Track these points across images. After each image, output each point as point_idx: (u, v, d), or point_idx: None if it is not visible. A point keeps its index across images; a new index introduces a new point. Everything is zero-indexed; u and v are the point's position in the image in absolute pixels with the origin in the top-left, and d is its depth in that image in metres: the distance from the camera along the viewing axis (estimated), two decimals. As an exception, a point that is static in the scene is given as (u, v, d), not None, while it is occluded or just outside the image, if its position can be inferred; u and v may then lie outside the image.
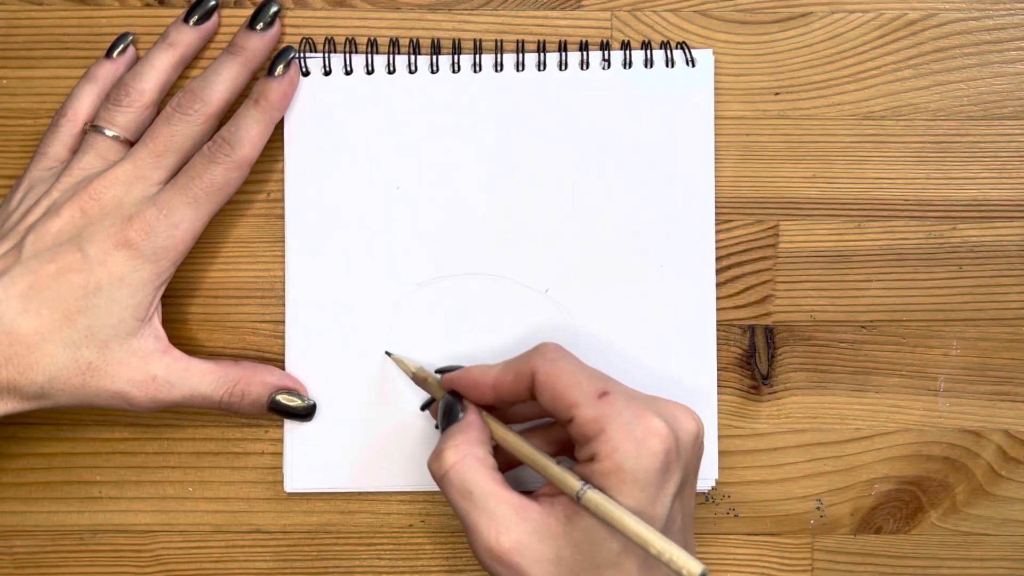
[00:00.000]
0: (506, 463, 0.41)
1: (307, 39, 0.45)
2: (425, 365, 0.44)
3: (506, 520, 0.37)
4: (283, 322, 0.45)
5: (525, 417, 0.42)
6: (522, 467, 0.43)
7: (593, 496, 0.36)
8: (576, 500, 0.36)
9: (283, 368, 0.45)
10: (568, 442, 0.41)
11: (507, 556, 0.37)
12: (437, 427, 0.44)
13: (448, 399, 0.41)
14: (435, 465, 0.39)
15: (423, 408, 0.44)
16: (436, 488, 0.45)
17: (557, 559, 0.37)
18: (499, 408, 0.41)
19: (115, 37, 0.45)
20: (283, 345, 0.45)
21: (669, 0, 0.45)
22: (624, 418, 0.37)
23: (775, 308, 0.46)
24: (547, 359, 0.39)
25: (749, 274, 0.45)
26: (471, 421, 0.40)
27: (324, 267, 0.45)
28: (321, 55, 0.45)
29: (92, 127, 0.43)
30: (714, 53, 0.45)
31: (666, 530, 0.37)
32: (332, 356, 0.45)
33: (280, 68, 0.43)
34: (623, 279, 0.45)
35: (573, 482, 0.37)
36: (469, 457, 0.39)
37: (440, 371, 0.43)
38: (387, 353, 0.44)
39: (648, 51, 0.44)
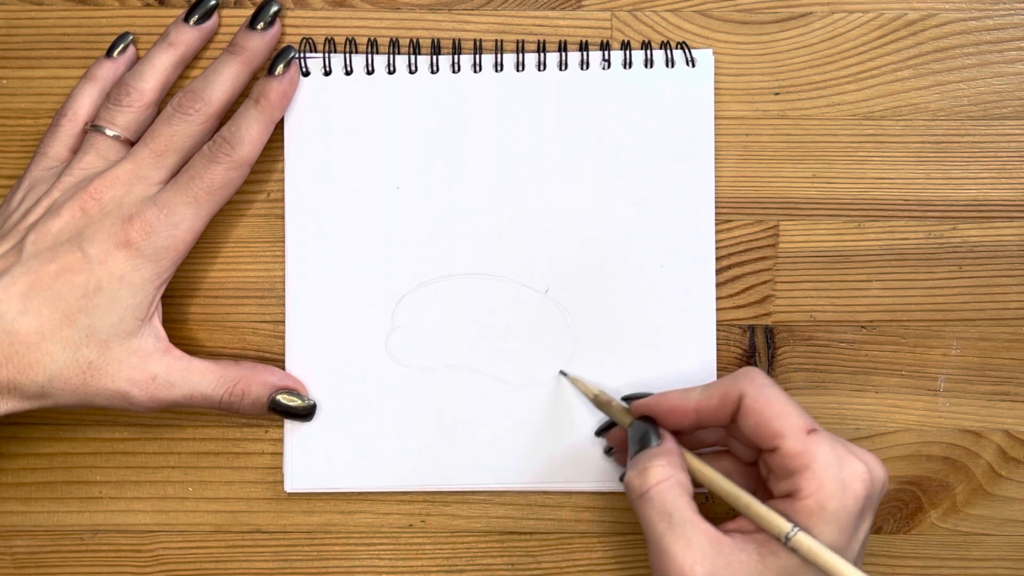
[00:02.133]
0: None
1: (307, 39, 0.45)
2: (606, 389, 0.43)
3: (702, 550, 0.37)
4: (283, 322, 0.45)
5: (702, 444, 0.42)
6: None
7: (805, 539, 0.36)
8: (784, 541, 0.36)
9: (283, 368, 0.45)
10: (746, 471, 0.41)
11: None
12: (607, 452, 0.44)
13: (642, 424, 0.40)
14: (638, 481, 0.38)
15: (599, 433, 0.44)
16: (436, 488, 0.45)
17: None
18: (684, 433, 0.41)
19: (115, 37, 0.45)
20: (283, 345, 0.45)
21: (669, 0, 0.45)
22: (831, 458, 0.37)
23: (775, 308, 0.46)
24: (756, 384, 0.38)
25: (749, 274, 0.45)
26: (671, 447, 0.39)
27: (324, 267, 0.45)
28: (321, 55, 0.45)
29: (92, 127, 0.43)
30: (714, 53, 0.45)
31: None
32: (332, 356, 0.45)
33: (280, 68, 0.43)
34: (623, 279, 0.45)
35: (782, 523, 0.36)
36: (672, 480, 0.38)
37: (627, 398, 0.43)
38: (562, 373, 0.44)
39: (648, 51, 0.44)
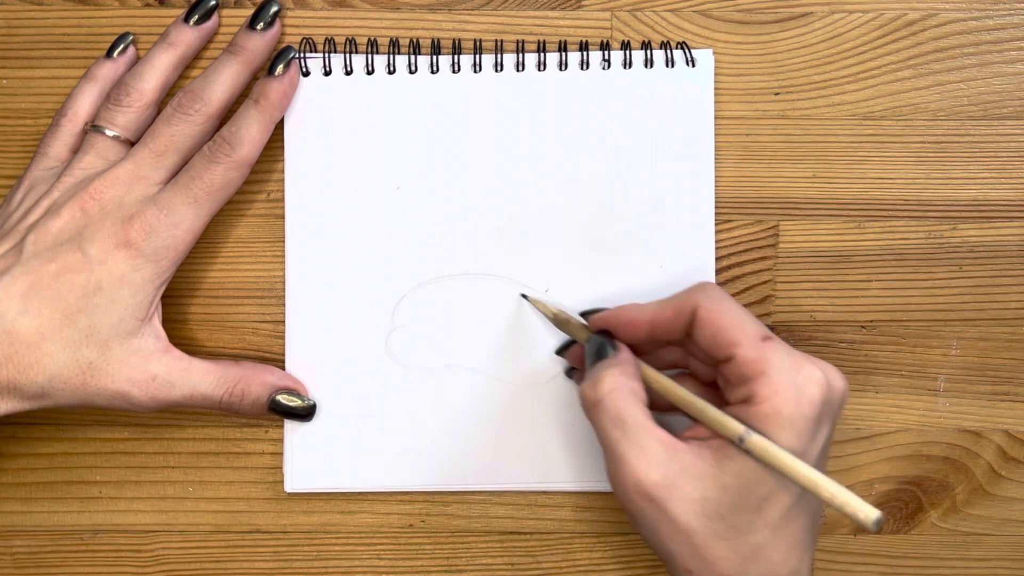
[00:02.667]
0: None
1: (307, 39, 0.45)
2: (565, 309, 0.44)
3: (656, 455, 0.37)
4: (283, 322, 0.45)
5: (660, 365, 0.42)
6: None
7: (759, 441, 0.36)
8: (738, 443, 0.36)
9: (283, 368, 0.45)
10: (706, 392, 0.41)
11: (653, 490, 0.37)
12: (568, 374, 0.44)
13: (598, 338, 0.41)
14: (590, 391, 0.39)
15: (559, 352, 0.44)
16: (436, 488, 0.45)
17: (702, 499, 0.37)
18: (643, 351, 0.41)
19: (115, 37, 0.45)
20: (283, 345, 0.45)
21: (669, 0, 0.45)
22: (786, 364, 0.37)
23: (775, 308, 0.46)
24: (711, 296, 0.39)
25: (749, 274, 0.45)
26: (625, 357, 0.40)
27: (324, 267, 0.45)
28: (321, 55, 0.45)
29: (92, 127, 0.43)
30: (714, 53, 0.45)
31: None
32: (332, 356, 0.45)
33: (280, 68, 0.43)
34: (623, 279, 0.45)
35: (735, 425, 0.36)
36: (625, 388, 0.38)
37: (584, 314, 0.43)
38: (523, 296, 0.44)
39: (648, 51, 0.44)
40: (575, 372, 0.44)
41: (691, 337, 0.39)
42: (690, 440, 0.38)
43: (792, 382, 0.36)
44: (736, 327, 0.38)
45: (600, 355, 0.40)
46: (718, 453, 0.37)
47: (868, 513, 0.34)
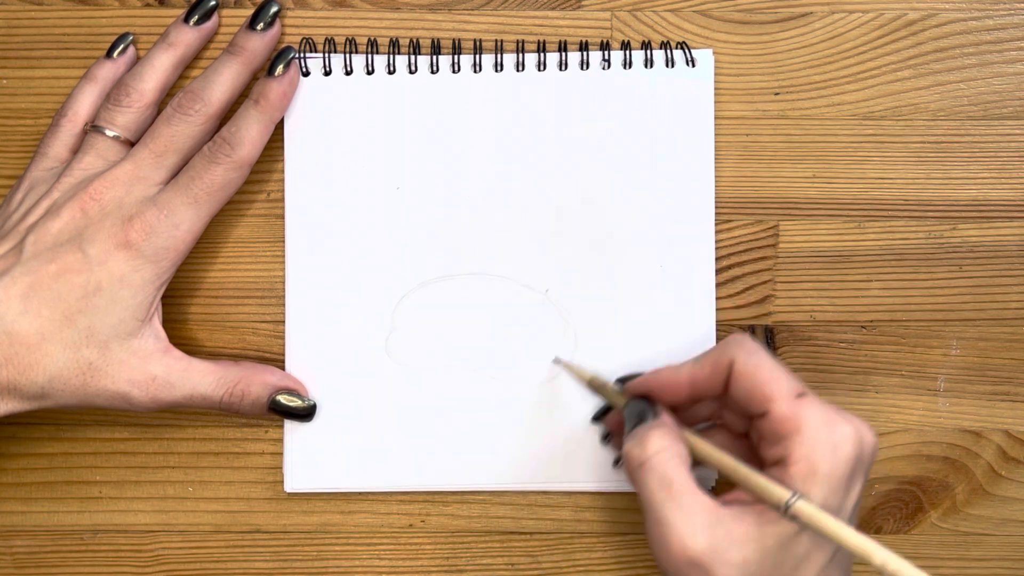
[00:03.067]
0: None
1: (307, 39, 0.45)
2: (600, 374, 0.43)
3: (702, 521, 0.37)
4: (283, 322, 0.45)
5: (695, 419, 0.42)
6: None
7: (805, 507, 0.36)
8: (783, 510, 0.36)
9: (283, 368, 0.45)
10: (738, 445, 0.41)
11: (699, 557, 0.36)
12: (603, 440, 0.44)
13: (638, 403, 0.40)
14: (637, 451, 0.38)
15: (595, 419, 0.44)
16: (436, 488, 0.45)
17: (744, 563, 0.36)
18: (679, 408, 0.41)
19: (115, 37, 0.45)
20: (283, 345, 0.45)
21: (669, 0, 0.45)
22: (820, 422, 0.37)
23: (775, 308, 0.46)
24: (746, 350, 0.39)
25: (749, 274, 0.45)
26: (668, 421, 0.40)
27: (324, 267, 0.45)
28: (321, 55, 0.45)
29: (92, 127, 0.43)
30: (714, 53, 0.45)
31: None
32: (332, 356, 0.45)
33: (280, 68, 0.43)
34: (623, 279, 0.45)
35: (781, 491, 0.36)
36: (672, 450, 0.38)
37: (621, 380, 0.43)
38: (556, 360, 0.44)
39: (648, 51, 0.44)
40: (612, 438, 0.44)
41: (727, 392, 0.39)
42: (732, 505, 0.38)
43: (827, 440, 0.36)
44: (772, 383, 0.38)
45: (642, 420, 0.40)
46: (761, 518, 0.37)
47: None
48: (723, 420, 0.42)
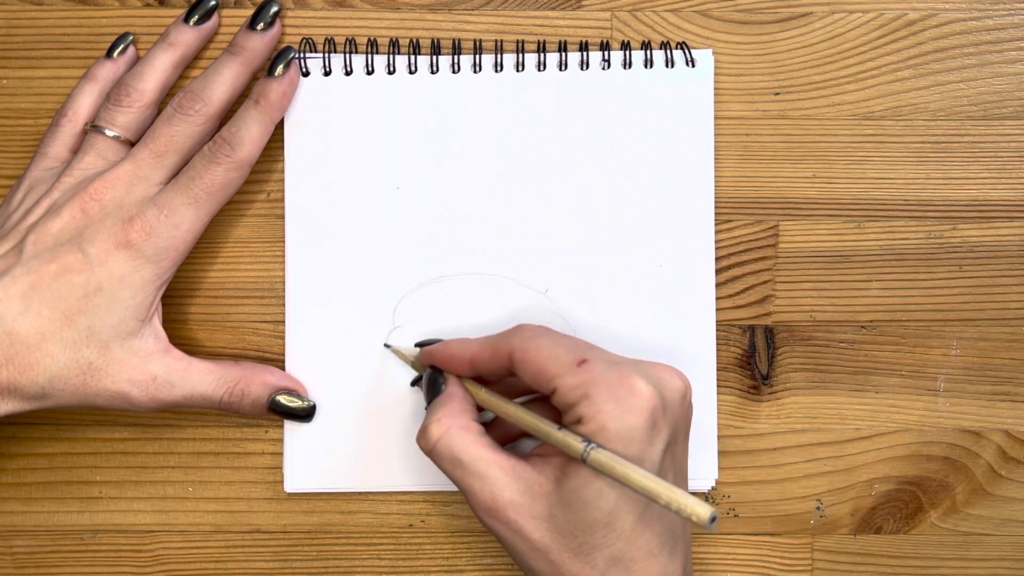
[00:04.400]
0: (501, 439, 0.42)
1: (307, 39, 0.45)
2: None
3: (499, 480, 0.38)
4: (283, 322, 0.45)
5: (516, 392, 0.42)
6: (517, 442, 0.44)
7: (599, 455, 0.36)
8: (582, 461, 0.37)
9: (283, 368, 0.45)
10: (554, 417, 0.41)
11: (503, 512, 0.38)
12: (426, 407, 0.44)
13: (431, 373, 0.42)
14: (422, 441, 0.40)
15: (413, 384, 0.45)
16: (436, 488, 0.45)
17: (550, 516, 0.38)
18: (494, 379, 0.42)
19: (115, 37, 0.45)
20: (283, 345, 0.45)
21: (669, 0, 0.45)
22: (606, 381, 0.37)
23: (775, 308, 0.46)
24: (524, 338, 0.39)
25: (749, 274, 0.45)
26: (452, 393, 0.41)
27: (324, 267, 0.45)
28: (321, 55, 0.45)
29: (93, 127, 0.43)
30: (714, 53, 0.45)
31: None
32: (332, 356, 0.45)
33: (280, 68, 0.43)
34: (623, 279, 0.45)
35: (576, 443, 0.37)
36: (453, 428, 0.39)
37: (419, 344, 0.44)
38: (386, 346, 0.45)
39: (648, 51, 0.44)
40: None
41: (517, 378, 0.40)
42: (534, 458, 0.39)
43: (613, 397, 0.37)
44: (551, 360, 0.38)
45: (434, 389, 0.42)
46: (558, 471, 0.38)
47: (700, 513, 0.35)
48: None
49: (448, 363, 0.42)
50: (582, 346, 0.39)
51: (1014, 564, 0.46)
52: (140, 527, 0.46)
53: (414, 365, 0.44)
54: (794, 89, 0.45)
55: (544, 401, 0.42)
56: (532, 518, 0.38)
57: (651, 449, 0.37)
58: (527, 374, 0.39)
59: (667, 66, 0.44)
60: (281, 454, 0.45)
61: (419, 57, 0.45)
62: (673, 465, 0.39)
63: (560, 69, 0.44)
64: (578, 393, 0.37)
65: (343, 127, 0.45)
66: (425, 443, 0.40)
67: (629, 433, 0.37)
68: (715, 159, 0.45)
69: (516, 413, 0.40)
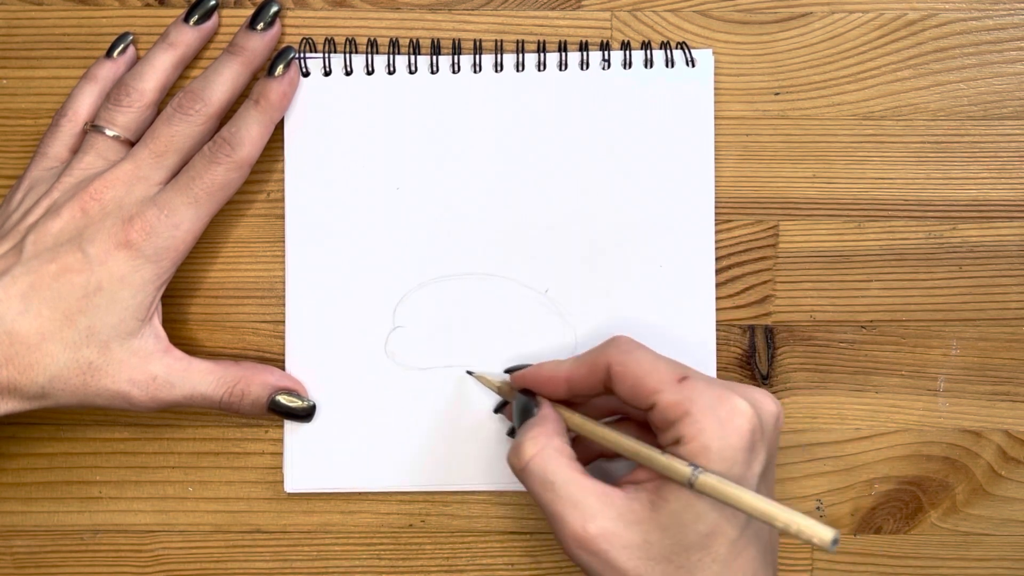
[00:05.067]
0: (583, 459, 0.41)
1: (307, 39, 0.45)
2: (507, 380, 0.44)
3: (591, 508, 0.37)
4: (283, 322, 0.45)
5: (599, 413, 0.42)
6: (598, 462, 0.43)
7: (708, 479, 0.36)
8: (688, 485, 0.36)
9: (283, 368, 0.45)
10: (642, 437, 0.41)
11: (594, 543, 0.37)
12: (509, 434, 0.45)
13: (522, 397, 0.41)
14: (514, 459, 0.39)
15: (496, 411, 0.44)
16: (436, 488, 0.45)
17: (645, 544, 0.37)
18: (578, 403, 0.41)
19: (115, 37, 0.45)
20: (283, 345, 0.45)
21: (669, 0, 0.45)
22: (707, 400, 0.37)
23: (775, 308, 0.46)
24: (622, 350, 0.39)
25: (749, 274, 0.45)
26: (546, 415, 0.40)
27: (324, 267, 0.45)
28: (321, 55, 0.45)
29: (92, 127, 0.43)
30: (714, 53, 0.45)
31: None
32: (332, 356, 0.45)
33: (280, 68, 0.43)
34: (623, 279, 0.45)
35: (683, 467, 0.36)
36: (548, 448, 0.39)
37: (509, 370, 0.43)
38: (469, 373, 0.44)
39: (648, 51, 0.44)
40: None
41: (612, 392, 0.39)
42: (626, 486, 0.38)
43: (715, 417, 0.36)
44: (651, 374, 0.38)
45: (526, 412, 0.41)
46: (653, 495, 0.37)
47: (823, 535, 0.34)
48: (627, 413, 0.42)
49: (543, 385, 0.41)
50: (680, 365, 0.39)
51: (1014, 564, 0.46)
52: (140, 527, 0.46)
53: (500, 391, 0.44)
54: (794, 89, 0.45)
55: (625, 423, 0.42)
56: (624, 547, 0.37)
57: (750, 471, 0.37)
58: (624, 387, 0.38)
59: (667, 66, 0.44)
60: (281, 454, 0.46)
61: (419, 57, 0.45)
62: (766, 489, 0.38)
63: (560, 69, 0.44)
64: (679, 411, 0.37)
65: (343, 127, 0.45)
66: (517, 461, 0.39)
67: (732, 454, 0.36)
68: (715, 159, 0.45)
69: (613, 437, 0.39)
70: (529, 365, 0.42)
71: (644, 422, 0.41)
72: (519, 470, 0.39)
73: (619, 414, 0.43)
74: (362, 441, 0.45)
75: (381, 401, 0.45)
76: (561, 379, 0.40)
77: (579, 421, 0.40)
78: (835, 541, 0.34)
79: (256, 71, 0.44)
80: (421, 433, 0.45)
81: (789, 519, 0.35)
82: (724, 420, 0.36)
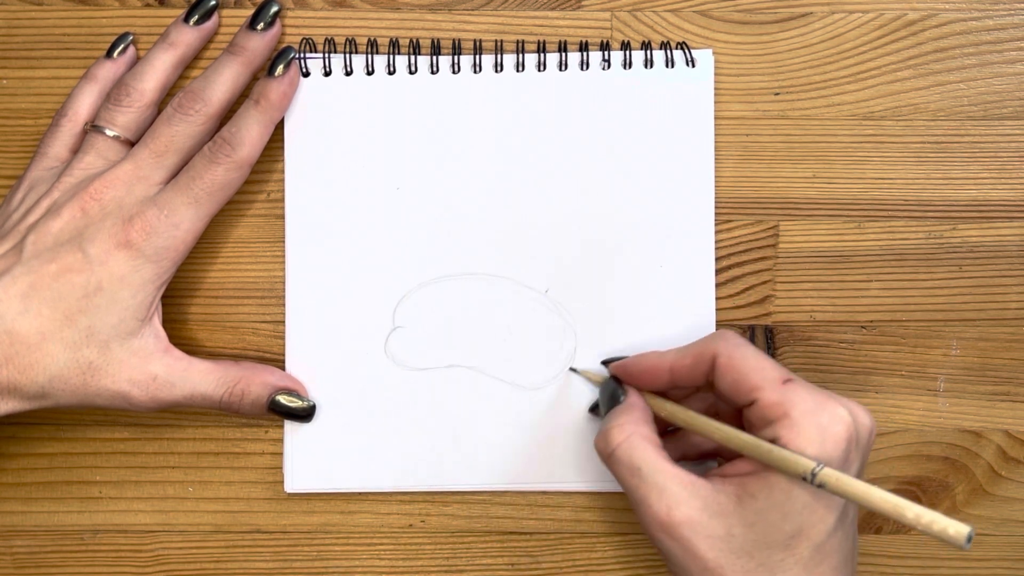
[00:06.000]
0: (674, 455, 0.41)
1: (307, 39, 0.45)
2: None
3: (676, 495, 0.37)
4: (283, 322, 0.45)
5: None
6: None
7: (831, 473, 0.35)
8: (810, 479, 0.36)
9: (283, 368, 0.45)
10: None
11: (677, 529, 0.37)
12: (591, 410, 0.45)
13: (611, 384, 0.42)
14: (602, 443, 0.39)
15: (591, 411, 0.44)
16: (436, 488, 0.45)
17: (728, 536, 0.37)
18: (671, 399, 0.42)
19: (115, 37, 0.45)
20: (283, 345, 0.45)
21: (669, 0, 0.45)
22: (808, 404, 0.37)
23: (775, 308, 0.46)
24: (730, 344, 0.39)
25: (749, 274, 0.45)
26: (633, 402, 0.41)
27: (324, 267, 0.45)
28: (321, 55, 0.45)
29: (93, 127, 0.43)
30: (714, 53, 0.45)
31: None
32: (332, 356, 0.45)
33: (280, 68, 0.43)
34: (623, 279, 0.45)
35: (804, 460, 0.36)
36: (635, 435, 0.39)
37: (606, 362, 0.44)
38: (572, 369, 0.44)
39: (648, 51, 0.44)
40: None
41: (713, 384, 0.39)
42: (713, 477, 0.38)
43: (816, 423, 0.36)
44: (757, 372, 0.38)
45: (614, 400, 0.41)
46: (740, 490, 0.37)
47: (958, 530, 0.33)
48: (718, 410, 0.42)
49: (644, 375, 0.41)
50: (783, 367, 0.39)
51: (1014, 564, 0.46)
52: (140, 527, 0.46)
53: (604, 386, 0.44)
54: (794, 89, 0.45)
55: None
56: (707, 537, 0.37)
57: None
58: (727, 380, 0.38)
59: (667, 66, 0.44)
60: (281, 454, 0.46)
61: (419, 57, 0.45)
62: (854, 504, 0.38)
63: (560, 69, 0.45)
64: (779, 411, 0.37)
65: (343, 127, 0.45)
66: (605, 446, 0.39)
67: (828, 461, 0.36)
68: (715, 159, 0.45)
69: (711, 426, 0.39)
70: (626, 357, 0.42)
71: (735, 424, 0.41)
72: (606, 456, 0.39)
73: (708, 412, 0.42)
74: (362, 441, 0.45)
75: (381, 401, 0.45)
76: (664, 369, 0.40)
77: (672, 409, 0.40)
78: (970, 537, 0.33)
79: (256, 71, 0.44)
80: (421, 433, 0.45)
81: (920, 512, 0.34)
82: (824, 427, 0.36)
